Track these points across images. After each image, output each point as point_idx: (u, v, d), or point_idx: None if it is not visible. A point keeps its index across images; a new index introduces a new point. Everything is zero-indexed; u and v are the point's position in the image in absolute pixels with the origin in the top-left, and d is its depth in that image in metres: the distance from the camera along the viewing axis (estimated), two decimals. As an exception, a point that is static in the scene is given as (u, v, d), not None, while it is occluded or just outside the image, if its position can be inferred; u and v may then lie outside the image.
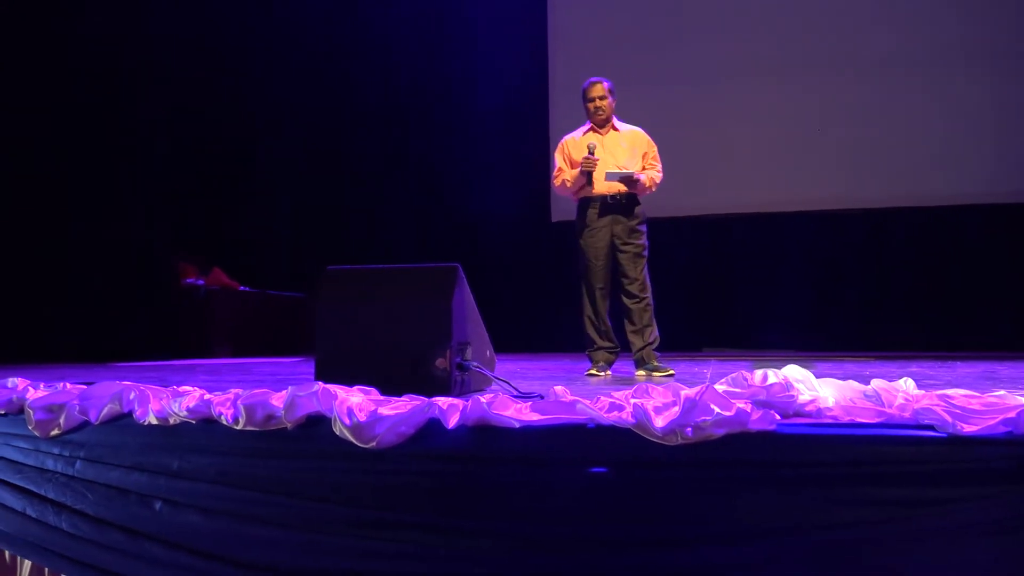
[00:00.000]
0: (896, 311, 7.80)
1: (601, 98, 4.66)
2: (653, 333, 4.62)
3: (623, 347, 4.76)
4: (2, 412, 2.97)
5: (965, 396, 2.25)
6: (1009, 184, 7.46)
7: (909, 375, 4.13)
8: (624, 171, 4.56)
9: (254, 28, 9.01)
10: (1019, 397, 2.24)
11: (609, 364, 4.72)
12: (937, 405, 2.15)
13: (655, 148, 4.78)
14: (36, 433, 2.82)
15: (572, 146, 4.76)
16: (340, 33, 9.16)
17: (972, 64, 7.55)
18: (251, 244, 8.99)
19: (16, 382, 3.18)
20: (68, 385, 3.03)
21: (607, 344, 4.70)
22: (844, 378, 2.55)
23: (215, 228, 8.73)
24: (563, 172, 4.75)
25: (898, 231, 7.95)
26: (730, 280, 8.34)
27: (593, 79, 4.74)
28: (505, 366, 5.13)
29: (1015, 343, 7.07)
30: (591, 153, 4.56)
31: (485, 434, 2.32)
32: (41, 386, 3.09)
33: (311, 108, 9.23)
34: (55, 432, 2.80)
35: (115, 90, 7.70)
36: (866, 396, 2.41)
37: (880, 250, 7.98)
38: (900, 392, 2.36)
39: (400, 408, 2.41)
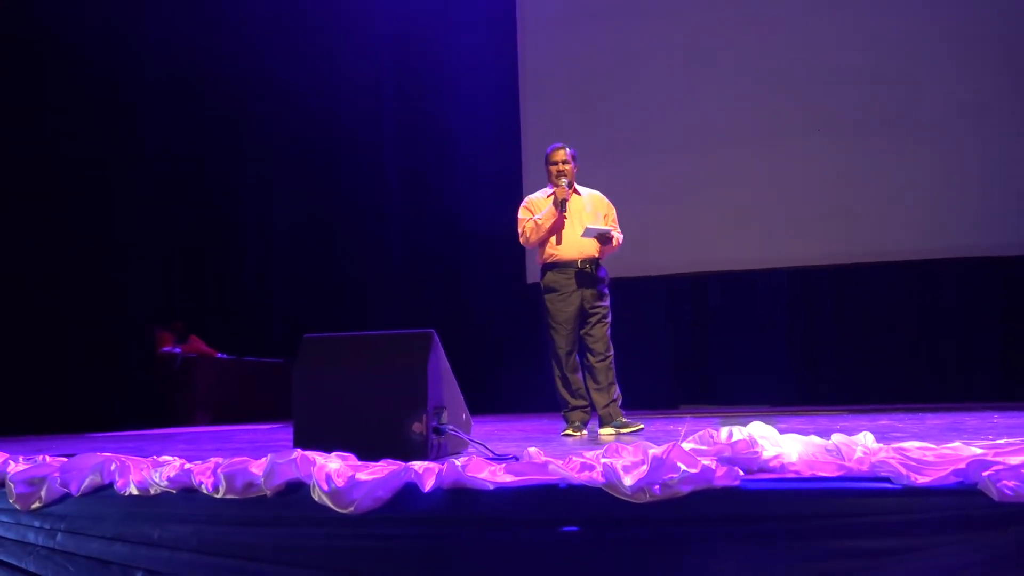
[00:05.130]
0: (871, 365, 7.88)
1: (564, 162, 4.77)
2: (616, 390, 4.72)
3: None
4: (-18, 486, 2.99)
5: (920, 448, 2.34)
6: (984, 238, 7.54)
7: (878, 428, 4.25)
8: (601, 227, 4.67)
9: (236, 97, 9.16)
10: (973, 448, 2.34)
11: (584, 423, 4.78)
12: (893, 458, 2.24)
13: (615, 211, 4.93)
14: (17, 506, 2.85)
15: (534, 204, 4.87)
16: (330, 92, 9.33)
17: (942, 122, 7.68)
18: (231, 310, 9.03)
19: (-5, 456, 3.21)
20: (48, 458, 3.05)
21: (580, 403, 4.77)
22: (816, 432, 2.64)
23: (196, 295, 8.78)
24: (532, 218, 4.80)
25: (872, 286, 8.05)
26: (706, 338, 8.43)
27: (556, 144, 4.86)
28: (483, 428, 5.18)
29: (991, 394, 7.19)
30: (566, 184, 4.69)
31: (460, 496, 2.38)
32: (21, 459, 3.11)
33: (296, 174, 9.37)
34: (36, 505, 2.83)
35: (96, 151, 7.78)
36: (827, 451, 2.49)
37: (854, 305, 8.09)
38: (859, 446, 2.44)
39: (377, 473, 2.47)
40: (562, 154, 4.78)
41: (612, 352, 4.74)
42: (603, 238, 4.67)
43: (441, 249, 9.12)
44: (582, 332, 4.75)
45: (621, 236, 4.83)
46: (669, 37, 8.42)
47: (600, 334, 4.71)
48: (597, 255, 4.75)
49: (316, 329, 3.42)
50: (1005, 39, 7.57)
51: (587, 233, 4.63)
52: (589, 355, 4.74)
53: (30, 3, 7.53)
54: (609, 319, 4.76)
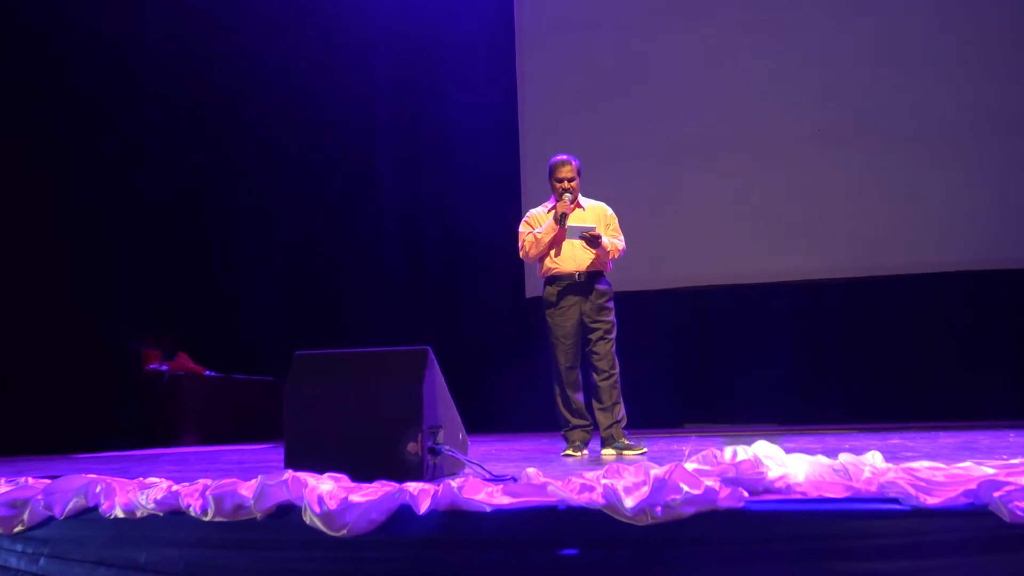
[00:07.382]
0: (882, 382, 7.74)
1: (570, 180, 4.67)
2: (621, 411, 4.61)
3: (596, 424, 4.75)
4: (-37, 509, 2.91)
5: (930, 468, 2.28)
6: (996, 251, 7.44)
7: (889, 447, 4.19)
8: (584, 226, 4.54)
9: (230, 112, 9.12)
10: (984, 468, 2.28)
11: (585, 443, 4.69)
12: (901, 478, 2.18)
13: (616, 220, 4.83)
14: (-1, 530, 2.78)
15: (535, 219, 4.80)
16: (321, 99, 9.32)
17: (951, 133, 7.61)
18: (224, 321, 8.94)
19: (-23, 478, 3.13)
20: (31, 479, 2.98)
21: (581, 422, 4.69)
22: (824, 452, 2.59)
23: (189, 305, 8.69)
24: (532, 232, 4.73)
25: (882, 300, 7.91)
26: (712, 354, 8.29)
27: (561, 157, 4.74)
28: (480, 448, 5.12)
29: (1007, 411, 7.06)
30: (569, 200, 4.60)
31: (456, 519, 2.32)
32: (2, 481, 3.05)
33: (292, 181, 9.32)
34: (18, 528, 2.76)
35: (88, 163, 7.72)
36: (834, 471, 2.43)
37: (864, 320, 7.93)
38: (867, 466, 2.39)
39: (371, 495, 2.40)
40: (568, 170, 4.67)
41: (618, 370, 4.63)
42: (592, 241, 4.53)
43: (439, 260, 9.05)
44: (586, 349, 4.66)
45: (622, 244, 4.75)
46: (670, 43, 8.34)
47: (604, 351, 4.61)
48: (598, 268, 4.67)
49: (311, 340, 3.35)
50: (1018, 49, 7.55)
51: (571, 233, 4.53)
52: (594, 373, 4.64)
53: (30, 4, 7.51)
54: (614, 335, 4.65)
